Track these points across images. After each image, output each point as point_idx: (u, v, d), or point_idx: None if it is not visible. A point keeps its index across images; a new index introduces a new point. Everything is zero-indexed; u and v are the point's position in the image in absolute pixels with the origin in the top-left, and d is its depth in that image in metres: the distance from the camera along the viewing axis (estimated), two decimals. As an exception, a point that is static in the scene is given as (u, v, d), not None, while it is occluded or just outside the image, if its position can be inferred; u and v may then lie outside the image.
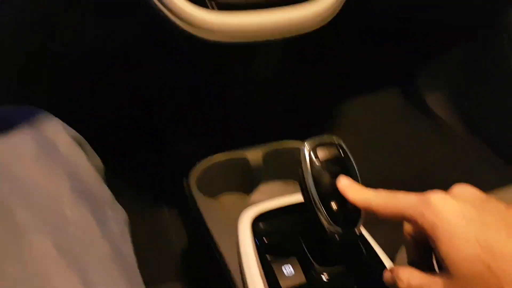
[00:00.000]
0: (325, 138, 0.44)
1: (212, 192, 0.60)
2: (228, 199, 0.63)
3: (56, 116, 0.44)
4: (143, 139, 1.01)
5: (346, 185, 0.40)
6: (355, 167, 0.44)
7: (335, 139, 0.44)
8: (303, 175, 0.43)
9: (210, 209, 0.55)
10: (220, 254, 0.50)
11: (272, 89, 1.00)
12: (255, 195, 0.57)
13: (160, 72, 0.81)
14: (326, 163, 0.43)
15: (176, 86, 0.82)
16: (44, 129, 0.40)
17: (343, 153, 0.44)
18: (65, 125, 0.43)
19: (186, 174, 0.65)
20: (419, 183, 1.00)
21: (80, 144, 0.43)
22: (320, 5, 0.52)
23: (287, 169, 0.61)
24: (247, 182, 0.61)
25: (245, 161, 0.61)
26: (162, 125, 0.97)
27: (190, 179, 0.58)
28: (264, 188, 0.57)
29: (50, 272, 0.32)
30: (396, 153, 1.11)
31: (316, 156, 0.43)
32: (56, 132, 0.41)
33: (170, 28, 0.53)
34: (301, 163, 0.43)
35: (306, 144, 0.44)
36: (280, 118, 1.07)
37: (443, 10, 1.07)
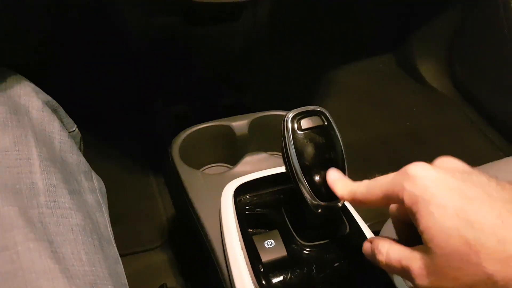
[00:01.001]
0: (309, 108, 0.43)
1: (196, 162, 0.59)
2: (212, 170, 0.62)
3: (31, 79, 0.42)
4: (130, 105, 0.99)
5: (334, 180, 0.39)
6: (340, 139, 0.42)
7: (319, 109, 0.43)
8: (285, 146, 0.42)
9: (193, 180, 0.53)
10: (202, 226, 0.49)
11: (260, 55, 0.98)
12: (239, 166, 0.55)
13: (142, 35, 0.78)
14: (310, 134, 0.42)
15: (159, 50, 0.79)
16: (14, 92, 0.38)
17: (327, 124, 0.42)
18: (38, 88, 0.41)
19: (169, 142, 0.63)
20: (409, 148, 1.01)
21: (54, 110, 0.41)
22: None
23: (273, 140, 0.60)
24: (232, 153, 0.60)
25: (230, 130, 0.59)
26: (148, 92, 0.95)
27: (173, 148, 0.57)
28: (249, 159, 0.56)
29: (17, 243, 0.31)
30: (386, 117, 1.10)
31: (299, 127, 0.42)
32: (27, 95, 0.39)
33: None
34: (283, 134, 0.42)
35: (289, 114, 0.42)
36: (269, 87, 1.05)
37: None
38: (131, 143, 0.94)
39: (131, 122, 0.98)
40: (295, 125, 0.41)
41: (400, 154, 0.97)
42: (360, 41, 1.20)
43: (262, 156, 0.56)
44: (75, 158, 0.40)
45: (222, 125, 0.59)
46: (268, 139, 0.60)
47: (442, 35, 1.12)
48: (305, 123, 0.42)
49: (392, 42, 1.21)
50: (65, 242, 0.33)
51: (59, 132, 0.39)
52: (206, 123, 0.59)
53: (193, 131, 0.58)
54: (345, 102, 1.13)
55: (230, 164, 0.61)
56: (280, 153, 0.60)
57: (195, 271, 0.72)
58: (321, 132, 0.42)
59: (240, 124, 0.59)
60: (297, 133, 0.41)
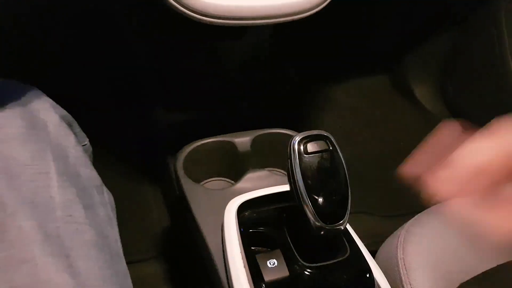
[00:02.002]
0: (315, 132, 0.44)
1: (198, 176, 0.60)
2: (215, 185, 0.62)
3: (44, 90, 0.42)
4: (128, 112, 0.99)
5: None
6: (344, 164, 0.44)
7: (325, 134, 0.44)
8: (291, 168, 0.43)
9: (196, 195, 0.54)
10: (203, 241, 0.50)
11: (260, 73, 0.99)
12: (242, 183, 0.56)
13: (148, 49, 0.79)
14: (315, 157, 0.43)
15: (163, 64, 0.80)
16: (33, 107, 0.39)
17: (332, 149, 0.44)
18: (54, 103, 0.42)
19: (172, 155, 0.64)
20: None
21: (69, 124, 0.42)
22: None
23: (275, 157, 0.61)
24: (233, 168, 0.61)
25: (233, 146, 0.60)
26: (147, 102, 0.95)
27: (177, 161, 0.57)
28: (251, 175, 0.57)
29: (36, 257, 0.32)
30: (380, 137, 1.12)
31: (306, 150, 0.43)
32: (45, 110, 0.40)
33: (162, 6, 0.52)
34: (290, 156, 0.43)
35: (296, 137, 0.43)
36: (268, 102, 1.06)
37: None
38: (127, 150, 0.94)
39: (128, 128, 0.97)
40: (302, 148, 0.43)
41: (393, 174, 0.99)
42: (357, 62, 1.22)
43: (264, 173, 0.57)
44: (88, 172, 0.41)
45: (226, 141, 0.60)
46: (269, 155, 0.61)
47: (436, 58, 1.15)
48: (311, 147, 0.43)
49: (387, 64, 1.23)
50: (80, 257, 0.33)
51: (74, 146, 0.40)
52: (210, 138, 0.60)
53: (198, 146, 0.59)
54: (340, 119, 1.15)
55: (231, 179, 0.62)
56: (281, 170, 0.62)
57: (190, 285, 0.72)
58: (326, 156, 0.43)
59: (243, 140, 0.61)
60: (303, 156, 0.43)
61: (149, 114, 0.94)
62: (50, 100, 0.41)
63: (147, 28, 0.74)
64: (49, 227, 0.33)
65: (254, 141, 0.60)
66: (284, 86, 1.13)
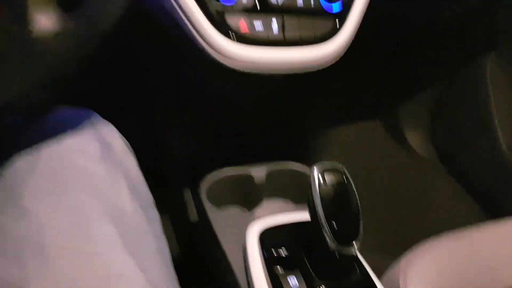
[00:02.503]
0: (332, 164, 0.51)
1: (218, 203, 0.65)
2: (232, 212, 0.68)
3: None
4: (140, 143, 1.03)
5: None
6: (356, 195, 0.50)
7: (340, 166, 0.51)
8: (311, 196, 0.49)
9: (219, 219, 0.60)
10: (227, 263, 0.55)
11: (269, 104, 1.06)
12: (258, 211, 0.62)
13: (163, 76, 0.85)
14: (333, 188, 0.49)
15: (178, 93, 0.86)
16: (103, 132, 0.45)
17: (346, 179, 0.50)
18: (116, 129, 0.48)
19: (189, 183, 0.69)
20: (392, 210, 1.08)
21: (129, 148, 0.49)
22: (332, 47, 0.59)
23: (288, 189, 0.67)
24: (249, 197, 0.67)
25: (250, 177, 0.66)
26: (159, 127, 0.99)
27: (200, 188, 0.63)
28: (266, 204, 0.63)
29: (113, 256, 0.36)
30: (372, 179, 1.18)
31: (324, 180, 0.49)
32: (112, 135, 0.46)
33: (190, 49, 0.58)
34: (310, 185, 0.49)
35: (315, 168, 0.50)
36: (272, 135, 1.12)
37: (426, 51, 1.17)
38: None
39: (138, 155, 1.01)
40: (321, 180, 0.49)
41: (384, 216, 1.05)
42: (351, 107, 1.30)
43: (280, 203, 0.64)
44: (145, 190, 0.46)
45: (244, 173, 0.66)
46: (285, 186, 0.67)
47: (426, 105, 1.24)
48: (329, 178, 0.50)
49: (380, 110, 1.32)
50: (146, 258, 0.38)
51: (134, 166, 0.46)
52: (229, 168, 0.66)
53: (220, 174, 0.65)
54: (336, 159, 1.22)
55: (246, 207, 0.68)
56: (294, 201, 0.68)
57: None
58: (342, 187, 0.50)
59: (259, 171, 0.67)
60: (322, 186, 0.49)
61: (160, 143, 0.99)
62: (113, 126, 0.47)
63: (172, 69, 0.80)
64: (124, 232, 0.38)
65: (270, 174, 0.67)
66: (287, 120, 1.19)
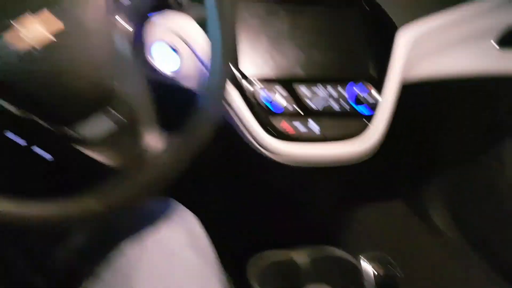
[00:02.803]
0: (380, 256, 0.54)
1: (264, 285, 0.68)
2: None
3: None
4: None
5: None
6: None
7: (388, 258, 0.54)
8: (362, 283, 0.52)
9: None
10: None
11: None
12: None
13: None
14: (382, 278, 0.52)
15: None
16: (187, 221, 0.52)
17: (393, 269, 0.53)
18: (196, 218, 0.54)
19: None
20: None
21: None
22: (368, 142, 0.64)
23: (331, 275, 0.69)
24: (292, 279, 0.69)
25: (293, 261, 0.69)
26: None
27: (252, 270, 0.66)
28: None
29: None
30: (398, 260, 1.17)
31: (374, 272, 0.52)
32: (194, 224, 0.52)
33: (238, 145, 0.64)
34: (361, 273, 0.52)
35: (365, 261, 0.53)
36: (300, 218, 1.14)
37: (448, 136, 1.22)
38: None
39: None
40: (373, 272, 0.52)
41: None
42: (374, 188, 1.33)
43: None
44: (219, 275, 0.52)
45: (288, 258, 0.69)
46: (327, 271, 0.69)
47: (450, 187, 1.26)
48: (378, 270, 0.53)
49: (405, 191, 1.34)
50: None
51: (212, 253, 0.52)
52: (274, 253, 0.69)
53: (268, 260, 0.68)
54: (363, 240, 1.22)
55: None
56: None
57: None
58: (391, 280, 0.52)
59: (302, 257, 0.69)
60: (376, 278, 0.52)
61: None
62: (193, 215, 0.53)
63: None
64: None
65: (313, 259, 0.69)
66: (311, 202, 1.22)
